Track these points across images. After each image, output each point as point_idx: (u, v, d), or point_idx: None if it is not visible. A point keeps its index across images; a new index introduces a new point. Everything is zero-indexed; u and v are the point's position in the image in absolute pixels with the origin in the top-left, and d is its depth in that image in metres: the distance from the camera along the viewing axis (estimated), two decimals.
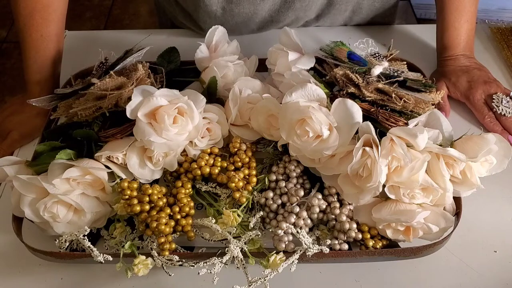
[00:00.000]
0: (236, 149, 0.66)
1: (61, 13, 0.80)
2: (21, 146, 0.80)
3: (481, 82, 0.79)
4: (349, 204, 0.62)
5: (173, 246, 0.60)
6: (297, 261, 0.57)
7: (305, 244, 0.57)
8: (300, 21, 0.97)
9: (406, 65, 0.74)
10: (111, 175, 0.63)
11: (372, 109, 0.63)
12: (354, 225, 0.61)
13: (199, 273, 0.54)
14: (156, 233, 0.60)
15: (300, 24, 0.98)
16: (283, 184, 0.64)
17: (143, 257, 0.57)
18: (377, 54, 0.74)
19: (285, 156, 0.66)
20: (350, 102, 0.60)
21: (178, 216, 0.62)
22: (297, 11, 0.91)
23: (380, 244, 0.61)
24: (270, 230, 0.62)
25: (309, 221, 0.62)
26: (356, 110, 0.60)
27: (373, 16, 0.98)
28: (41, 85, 0.79)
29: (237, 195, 0.63)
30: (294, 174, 0.65)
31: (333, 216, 0.62)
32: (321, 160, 0.62)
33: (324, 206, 0.62)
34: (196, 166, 0.65)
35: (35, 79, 0.79)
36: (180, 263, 0.57)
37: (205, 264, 0.56)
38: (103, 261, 0.56)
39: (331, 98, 0.64)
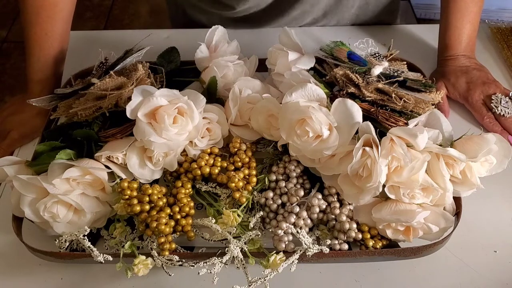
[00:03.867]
0: (236, 149, 0.66)
1: (68, 13, 0.79)
2: (21, 146, 0.79)
3: (479, 83, 0.79)
4: (349, 204, 0.62)
5: (173, 246, 0.60)
6: (297, 261, 0.57)
7: (305, 244, 0.57)
8: (306, 17, 0.96)
9: (406, 65, 0.74)
10: (111, 175, 0.63)
11: (372, 109, 0.62)
12: (354, 225, 0.61)
13: (199, 273, 0.54)
14: (156, 233, 0.60)
15: (307, 21, 0.98)
16: (283, 184, 0.64)
17: (143, 257, 0.57)
18: (377, 54, 0.73)
19: (285, 156, 0.66)
20: (350, 102, 0.60)
21: (178, 216, 0.62)
22: (304, 4, 0.91)
23: (380, 244, 0.61)
24: (270, 230, 0.61)
25: (309, 221, 0.61)
26: (356, 110, 0.60)
27: (379, 13, 0.98)
28: (43, 84, 0.79)
29: (237, 195, 0.63)
30: (294, 174, 0.65)
31: (333, 216, 0.62)
32: (321, 160, 0.62)
33: (324, 206, 0.62)
34: (196, 166, 0.65)
35: (37, 78, 0.78)
36: (180, 263, 0.57)
37: (205, 264, 0.56)
38: (103, 261, 0.56)
39: (331, 98, 0.64)
